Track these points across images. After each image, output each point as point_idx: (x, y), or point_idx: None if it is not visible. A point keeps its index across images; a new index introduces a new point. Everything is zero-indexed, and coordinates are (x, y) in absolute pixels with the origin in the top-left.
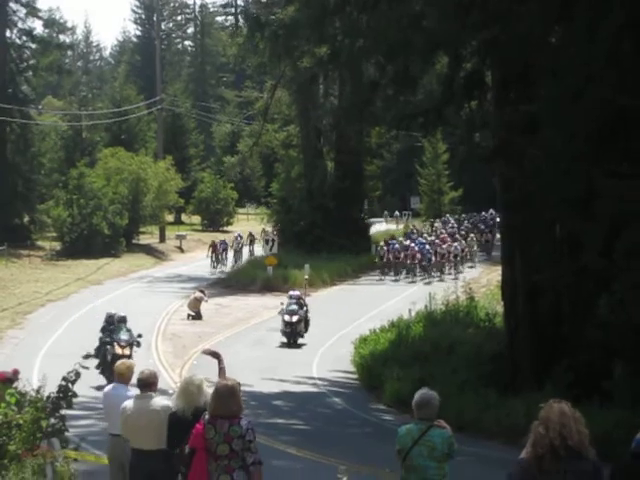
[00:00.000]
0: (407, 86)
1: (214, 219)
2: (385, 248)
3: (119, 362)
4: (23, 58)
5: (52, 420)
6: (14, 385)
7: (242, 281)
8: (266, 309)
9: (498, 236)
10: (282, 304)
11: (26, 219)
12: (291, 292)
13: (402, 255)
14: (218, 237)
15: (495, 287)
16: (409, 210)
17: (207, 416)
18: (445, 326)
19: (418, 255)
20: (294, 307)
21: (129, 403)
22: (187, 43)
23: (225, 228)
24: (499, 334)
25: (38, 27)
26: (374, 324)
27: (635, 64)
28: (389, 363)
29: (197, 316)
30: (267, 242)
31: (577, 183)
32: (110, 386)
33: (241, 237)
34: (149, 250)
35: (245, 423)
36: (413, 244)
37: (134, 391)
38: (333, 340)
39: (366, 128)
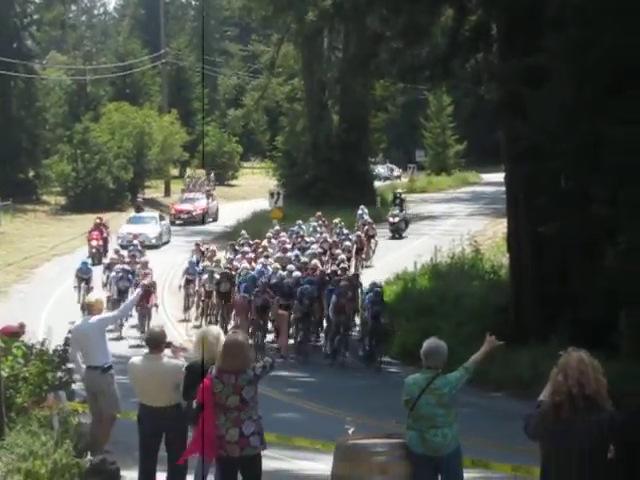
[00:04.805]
0: (413, 39)
1: (219, 173)
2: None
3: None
4: (27, 13)
5: (59, 373)
6: (20, 338)
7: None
8: None
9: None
10: None
11: (31, 174)
12: None
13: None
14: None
15: (501, 239)
16: (414, 163)
17: (214, 370)
18: (450, 279)
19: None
20: None
21: (137, 361)
22: None
23: (231, 182)
24: (504, 286)
25: None
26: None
27: None
28: (395, 315)
29: None
30: (272, 195)
31: (583, 133)
32: (78, 321)
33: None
34: (154, 204)
35: (251, 368)
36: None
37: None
38: None
39: (370, 81)
